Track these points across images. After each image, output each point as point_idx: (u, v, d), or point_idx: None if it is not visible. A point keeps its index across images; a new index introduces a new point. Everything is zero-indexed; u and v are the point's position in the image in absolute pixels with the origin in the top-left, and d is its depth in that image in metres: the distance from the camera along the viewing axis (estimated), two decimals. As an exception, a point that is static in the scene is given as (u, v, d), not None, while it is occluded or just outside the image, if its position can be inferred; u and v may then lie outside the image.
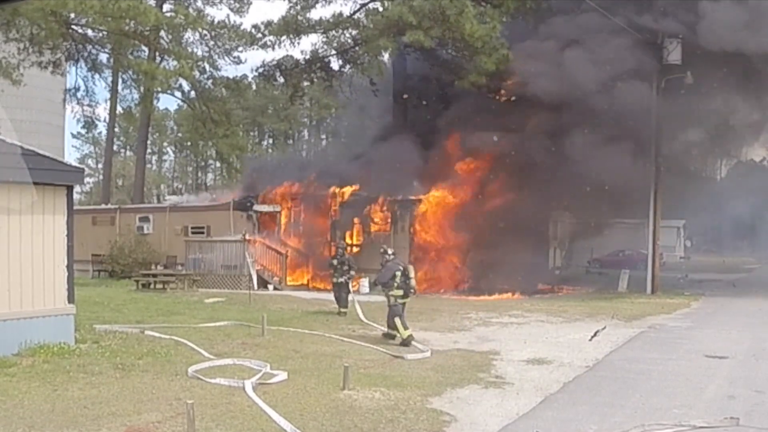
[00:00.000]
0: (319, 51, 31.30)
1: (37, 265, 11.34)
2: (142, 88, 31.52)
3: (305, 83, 35.28)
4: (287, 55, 33.13)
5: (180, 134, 73.29)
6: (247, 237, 25.06)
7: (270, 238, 26.32)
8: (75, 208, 12.48)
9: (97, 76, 33.01)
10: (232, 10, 36.11)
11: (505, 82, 27.61)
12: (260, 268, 25.14)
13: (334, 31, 29.82)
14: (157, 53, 31.80)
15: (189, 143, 70.24)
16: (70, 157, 66.61)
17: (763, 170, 65.98)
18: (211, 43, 32.08)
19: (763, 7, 23.58)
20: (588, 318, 17.93)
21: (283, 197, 28.19)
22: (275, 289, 24.57)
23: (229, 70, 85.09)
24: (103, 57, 31.68)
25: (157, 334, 13.35)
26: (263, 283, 24.79)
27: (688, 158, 34.82)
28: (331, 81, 33.53)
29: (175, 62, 30.05)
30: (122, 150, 73.35)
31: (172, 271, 25.43)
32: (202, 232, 27.42)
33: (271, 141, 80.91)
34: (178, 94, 34.42)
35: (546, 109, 25.69)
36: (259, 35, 30.06)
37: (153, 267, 26.08)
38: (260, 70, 33.41)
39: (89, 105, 34.79)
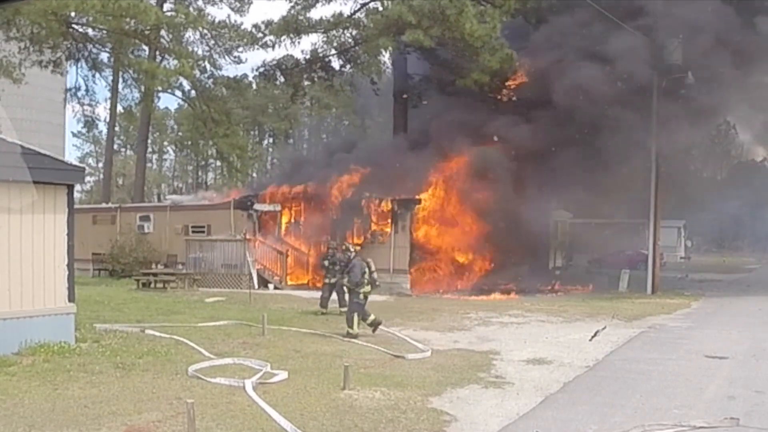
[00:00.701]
0: (320, 51, 31.30)
1: (38, 264, 11.34)
2: (142, 87, 31.50)
3: (306, 83, 35.27)
4: (288, 55, 33.17)
5: (180, 133, 73.27)
6: (248, 236, 25.06)
7: (270, 238, 26.32)
8: (75, 207, 12.48)
9: (97, 75, 33.01)
10: (232, 9, 36.09)
11: (507, 81, 27.63)
12: (261, 267, 25.15)
13: (334, 31, 29.82)
14: (157, 52, 31.81)
15: (189, 142, 70.17)
16: (71, 156, 66.78)
17: (763, 170, 66.00)
18: (212, 42, 32.08)
19: None
20: (588, 318, 17.93)
21: (284, 196, 28.18)
22: (276, 288, 24.58)
23: (229, 69, 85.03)
24: (104, 56, 31.71)
25: (157, 334, 13.35)
26: (264, 283, 24.80)
27: (688, 158, 34.90)
28: (331, 80, 33.53)
29: (175, 61, 30.06)
30: (123, 149, 73.34)
31: (173, 270, 25.43)
32: (203, 231, 27.42)
33: (271, 140, 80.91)
34: (178, 93, 34.48)
35: (545, 110, 25.74)
36: (260, 35, 30.09)
37: (153, 266, 26.06)
38: (261, 69, 33.43)
39: (90, 104, 34.79)
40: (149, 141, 56.74)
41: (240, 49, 32.16)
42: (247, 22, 54.85)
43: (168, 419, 7.79)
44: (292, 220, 28.32)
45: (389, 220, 26.02)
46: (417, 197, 25.97)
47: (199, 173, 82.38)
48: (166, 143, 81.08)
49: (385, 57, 32.66)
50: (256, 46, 30.59)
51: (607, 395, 9.62)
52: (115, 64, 31.97)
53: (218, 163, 63.93)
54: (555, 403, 9.14)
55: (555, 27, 26.50)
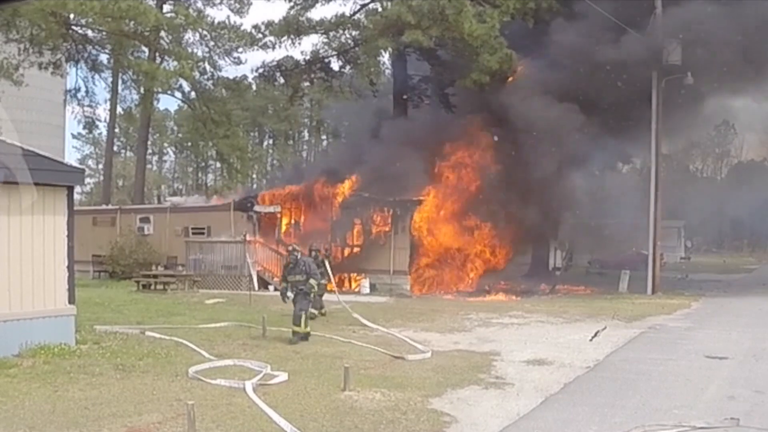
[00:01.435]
0: (320, 51, 31.32)
1: (38, 265, 11.34)
2: (142, 89, 31.53)
3: (305, 84, 35.29)
4: (287, 56, 33.22)
5: (180, 135, 73.30)
6: (248, 238, 25.05)
7: (270, 239, 26.31)
8: (75, 208, 12.48)
9: (97, 76, 33.00)
10: (232, 10, 36.10)
11: (506, 81, 27.63)
12: (261, 269, 25.14)
13: (334, 32, 29.84)
14: (157, 54, 31.80)
15: (189, 144, 70.26)
16: (71, 157, 66.61)
17: (763, 170, 66.00)
18: (212, 43, 32.07)
19: None
20: (588, 318, 17.92)
21: (284, 198, 28.19)
22: (276, 289, 24.53)
23: (229, 70, 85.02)
24: (104, 57, 31.71)
25: (157, 335, 13.35)
26: (264, 284, 24.78)
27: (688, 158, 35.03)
28: (331, 81, 33.54)
29: (175, 63, 30.05)
30: (123, 150, 73.32)
31: (173, 271, 25.42)
32: (203, 233, 27.42)
33: (271, 141, 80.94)
34: (178, 94, 34.45)
35: (545, 110, 25.73)
36: (260, 36, 30.09)
37: (153, 268, 26.06)
38: (260, 70, 33.44)
39: (89, 105, 34.77)
40: (149, 142, 56.75)
41: (239, 50, 32.17)
42: (247, 23, 54.73)
43: (168, 421, 7.79)
44: (292, 222, 28.32)
45: (389, 221, 26.03)
46: (417, 198, 25.97)
47: (199, 174, 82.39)
48: (166, 144, 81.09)
49: (385, 58, 32.70)
50: (256, 47, 30.61)
51: (607, 396, 9.61)
52: (115, 65, 31.99)
53: (218, 164, 63.95)
54: (555, 404, 9.14)
55: (554, 27, 26.50)
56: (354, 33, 29.69)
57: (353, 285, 25.79)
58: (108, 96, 39.98)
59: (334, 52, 31.34)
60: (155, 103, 38.66)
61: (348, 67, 32.45)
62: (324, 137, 76.06)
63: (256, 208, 27.12)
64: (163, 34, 30.75)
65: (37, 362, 10.49)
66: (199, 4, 35.17)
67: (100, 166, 63.56)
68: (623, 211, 31.26)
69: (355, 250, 26.94)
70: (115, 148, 56.55)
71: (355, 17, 29.92)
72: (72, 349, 11.41)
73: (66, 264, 11.74)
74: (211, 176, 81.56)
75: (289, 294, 13.82)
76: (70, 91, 34.29)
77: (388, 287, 24.69)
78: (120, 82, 36.75)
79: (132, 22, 27.23)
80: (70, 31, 28.15)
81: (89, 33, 29.42)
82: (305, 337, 13.44)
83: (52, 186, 11.50)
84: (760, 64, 25.07)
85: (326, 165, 31.63)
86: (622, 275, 27.44)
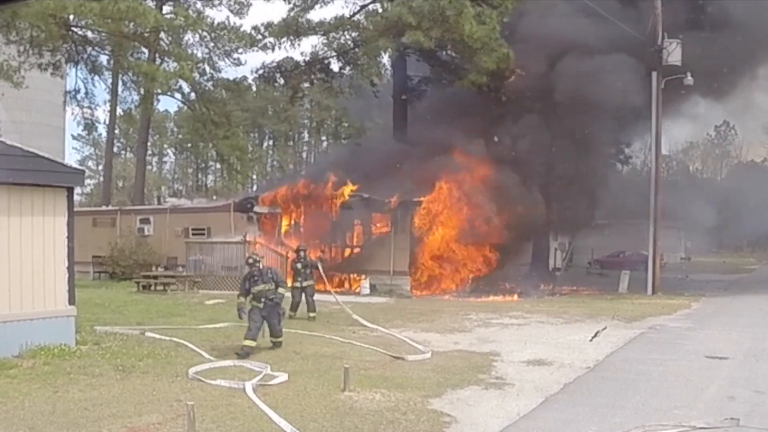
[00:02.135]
0: (319, 52, 31.34)
1: (38, 266, 11.35)
2: (142, 90, 31.55)
3: (305, 85, 35.30)
4: (287, 57, 33.26)
5: (180, 136, 73.32)
6: (248, 238, 25.04)
7: (270, 240, 26.31)
8: (75, 209, 12.47)
9: (97, 77, 33.06)
10: (231, 11, 36.09)
11: (504, 82, 27.64)
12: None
13: (334, 33, 29.85)
14: (157, 55, 31.84)
15: (189, 145, 70.29)
16: (71, 158, 66.73)
17: (763, 170, 66.03)
18: (211, 44, 32.12)
19: None
20: (588, 319, 17.92)
21: (284, 199, 28.18)
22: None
23: (229, 71, 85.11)
24: (103, 59, 31.76)
25: (157, 336, 13.34)
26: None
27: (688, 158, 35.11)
28: (331, 82, 33.55)
29: (175, 64, 30.09)
30: (122, 152, 73.34)
31: (173, 272, 25.42)
32: (203, 234, 27.42)
33: (271, 142, 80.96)
34: (178, 95, 34.48)
35: (545, 110, 25.77)
36: (259, 37, 30.11)
37: (153, 268, 26.07)
38: (260, 71, 33.45)
39: (89, 107, 34.85)
40: (149, 143, 56.77)
41: (239, 51, 32.24)
42: (247, 24, 54.79)
43: (168, 421, 7.79)
44: (292, 223, 28.31)
45: (389, 222, 26.03)
46: (417, 199, 25.97)
47: (199, 175, 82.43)
48: (166, 146, 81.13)
49: (385, 59, 32.71)
50: (256, 48, 30.64)
51: (607, 396, 9.61)
52: (115, 66, 32.01)
53: (218, 165, 63.98)
54: (555, 404, 9.14)
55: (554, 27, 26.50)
56: (354, 34, 29.71)
57: (353, 286, 25.79)
58: (108, 97, 40.06)
59: (334, 53, 31.36)
60: (155, 104, 38.65)
61: (348, 68, 32.47)
62: (324, 138, 76.11)
63: (256, 209, 27.12)
64: (162, 35, 30.79)
65: (37, 363, 10.49)
66: (199, 5, 35.23)
67: (100, 167, 63.61)
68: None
69: (356, 250, 26.94)
70: (115, 150, 56.57)
71: (355, 18, 29.92)
72: (72, 350, 11.41)
73: (66, 265, 11.74)
74: (211, 177, 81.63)
75: (254, 304, 12.21)
76: (69, 92, 34.35)
77: (388, 288, 24.69)
78: (120, 83, 36.79)
79: (132, 24, 27.26)
80: (70, 33, 28.17)
81: (89, 34, 29.46)
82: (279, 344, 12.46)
83: (52, 187, 11.51)
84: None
85: (326, 165, 31.61)
86: (622, 275, 27.46)
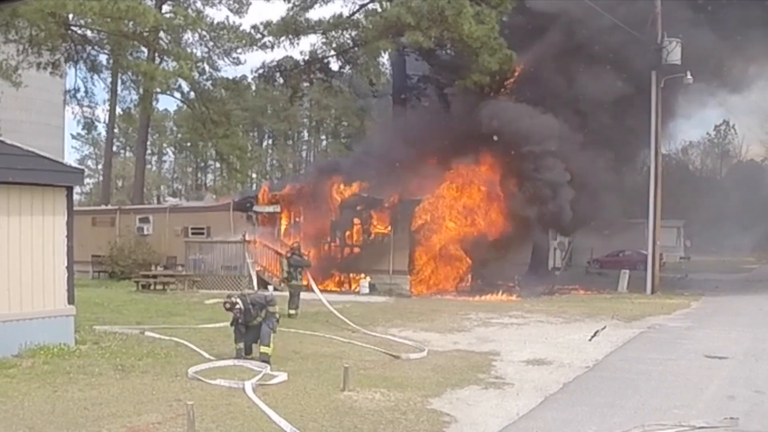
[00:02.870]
0: (319, 52, 31.30)
1: (37, 266, 11.34)
2: (141, 89, 31.49)
3: (305, 84, 35.28)
4: (287, 56, 33.18)
5: (180, 135, 73.22)
6: (247, 237, 25.05)
7: (270, 239, 26.31)
8: (75, 209, 12.48)
9: (96, 77, 32.97)
10: (231, 10, 36.09)
11: (506, 82, 27.64)
12: (260, 269, 25.13)
13: (333, 32, 29.82)
14: (156, 54, 31.79)
15: (189, 144, 70.25)
16: (70, 158, 66.55)
17: (763, 170, 66.03)
18: (211, 43, 32.05)
19: None
20: (588, 318, 17.92)
21: (283, 198, 28.18)
22: (275, 290, 24.53)
23: (228, 70, 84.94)
24: (103, 58, 31.66)
25: (157, 335, 13.34)
26: (263, 284, 24.76)
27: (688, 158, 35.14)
28: (330, 82, 33.52)
29: (174, 63, 30.03)
30: (122, 151, 73.30)
31: (172, 272, 25.42)
32: (202, 233, 27.41)
33: (270, 141, 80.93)
34: (177, 94, 34.38)
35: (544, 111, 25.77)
36: (259, 36, 30.06)
37: (153, 268, 26.06)
38: (260, 71, 33.42)
39: (89, 106, 34.76)
40: (148, 143, 56.77)
41: (239, 50, 32.14)
42: (246, 23, 54.69)
43: (168, 421, 7.79)
44: (292, 221, 28.31)
45: (389, 222, 26.02)
46: (416, 198, 25.97)
47: (199, 175, 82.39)
48: (165, 145, 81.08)
49: (384, 58, 32.66)
50: (255, 48, 30.57)
51: (606, 395, 9.61)
52: (114, 66, 31.94)
53: (218, 164, 63.95)
54: (555, 404, 9.14)
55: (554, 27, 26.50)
56: (353, 33, 29.68)
57: (353, 285, 25.79)
58: (107, 96, 40.04)
59: (334, 53, 31.33)
60: (154, 103, 38.60)
61: (347, 68, 32.44)
62: (323, 137, 76.08)
63: (256, 208, 27.11)
64: (162, 34, 30.71)
65: (37, 362, 10.48)
66: (198, 5, 35.21)
67: (100, 167, 63.59)
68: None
69: (355, 249, 26.94)
70: (114, 149, 56.57)
71: (354, 17, 29.90)
72: (71, 350, 11.40)
73: (65, 264, 11.74)
74: (210, 176, 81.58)
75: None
76: (69, 91, 34.29)
77: (388, 287, 24.70)
78: (119, 82, 36.73)
79: (131, 23, 27.19)
80: (69, 32, 28.11)
81: (88, 33, 29.39)
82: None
83: (51, 186, 11.50)
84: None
85: (326, 164, 31.62)
86: (621, 275, 27.45)
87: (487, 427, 8.01)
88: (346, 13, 30.13)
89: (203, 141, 43.90)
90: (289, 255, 18.23)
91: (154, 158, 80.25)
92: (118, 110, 40.22)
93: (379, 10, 28.76)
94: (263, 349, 11.14)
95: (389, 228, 25.96)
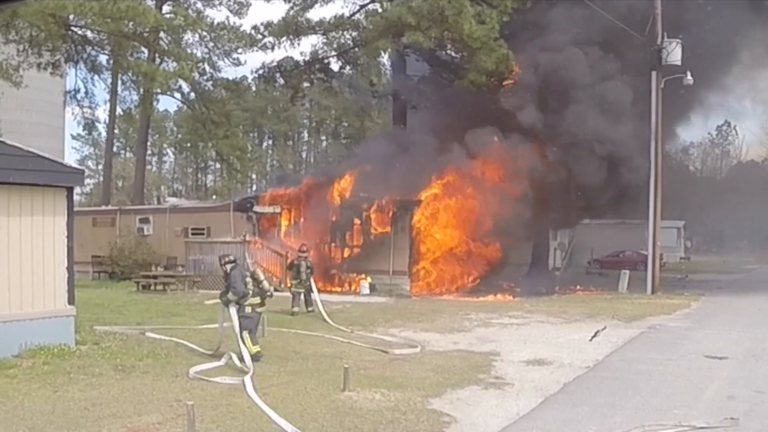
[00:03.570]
0: (319, 52, 31.30)
1: (38, 266, 11.34)
2: (141, 90, 31.54)
3: (305, 84, 35.29)
4: (287, 57, 33.16)
5: (180, 135, 73.22)
6: (248, 238, 25.04)
7: (270, 240, 26.30)
8: (75, 209, 12.47)
9: (96, 77, 33.06)
10: (231, 11, 36.12)
11: (504, 81, 27.60)
12: (260, 269, 25.08)
13: (333, 33, 29.82)
14: (156, 54, 31.82)
15: (189, 144, 70.17)
16: (70, 158, 66.70)
17: (763, 170, 66.03)
18: (211, 44, 32.10)
19: None
20: (588, 319, 17.92)
21: (284, 198, 28.17)
22: (275, 290, 24.50)
23: (228, 71, 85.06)
24: (103, 58, 31.75)
25: (157, 336, 13.35)
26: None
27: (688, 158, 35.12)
28: (330, 82, 33.51)
29: (174, 63, 30.07)
30: (122, 151, 73.32)
31: (173, 272, 25.40)
32: (203, 234, 27.40)
33: (271, 142, 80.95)
34: (177, 95, 34.45)
35: (544, 111, 25.74)
36: (259, 36, 30.07)
37: (153, 268, 26.04)
38: (260, 71, 33.42)
39: (89, 106, 34.88)
40: (149, 143, 56.77)
41: (239, 50, 32.20)
42: (246, 23, 54.77)
43: (168, 421, 7.79)
44: (292, 222, 28.30)
45: (389, 222, 26.00)
46: (417, 198, 25.95)
47: (199, 175, 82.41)
48: (165, 145, 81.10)
49: (384, 58, 32.67)
50: (255, 48, 30.59)
51: (607, 396, 9.62)
52: (114, 66, 31.99)
53: (218, 165, 63.96)
54: (555, 404, 9.14)
55: (553, 26, 26.49)
56: (353, 33, 29.68)
57: (353, 285, 25.78)
58: (107, 97, 40.06)
59: (334, 53, 31.33)
60: (155, 103, 38.65)
61: (348, 68, 32.43)
62: (323, 137, 76.08)
63: (256, 208, 27.10)
64: (162, 34, 30.77)
65: (37, 363, 10.48)
66: (199, 5, 35.24)
67: (100, 167, 63.57)
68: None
69: (355, 250, 26.92)
70: (114, 149, 56.58)
71: (354, 18, 29.89)
72: (72, 350, 11.40)
73: (66, 265, 11.74)
74: (210, 177, 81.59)
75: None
76: (69, 92, 34.35)
77: (388, 287, 24.69)
78: (119, 83, 36.80)
79: (131, 23, 27.23)
80: (70, 32, 28.15)
81: (88, 34, 29.43)
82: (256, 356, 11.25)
83: (51, 187, 11.50)
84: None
85: (326, 165, 31.63)
86: (621, 275, 27.44)
87: (487, 427, 8.02)
88: (346, 14, 30.14)
89: (203, 141, 43.90)
90: (302, 259, 18.37)
91: (155, 159, 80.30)
92: (119, 111, 40.30)
93: (380, 10, 28.75)
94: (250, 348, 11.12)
95: (389, 228, 25.94)
